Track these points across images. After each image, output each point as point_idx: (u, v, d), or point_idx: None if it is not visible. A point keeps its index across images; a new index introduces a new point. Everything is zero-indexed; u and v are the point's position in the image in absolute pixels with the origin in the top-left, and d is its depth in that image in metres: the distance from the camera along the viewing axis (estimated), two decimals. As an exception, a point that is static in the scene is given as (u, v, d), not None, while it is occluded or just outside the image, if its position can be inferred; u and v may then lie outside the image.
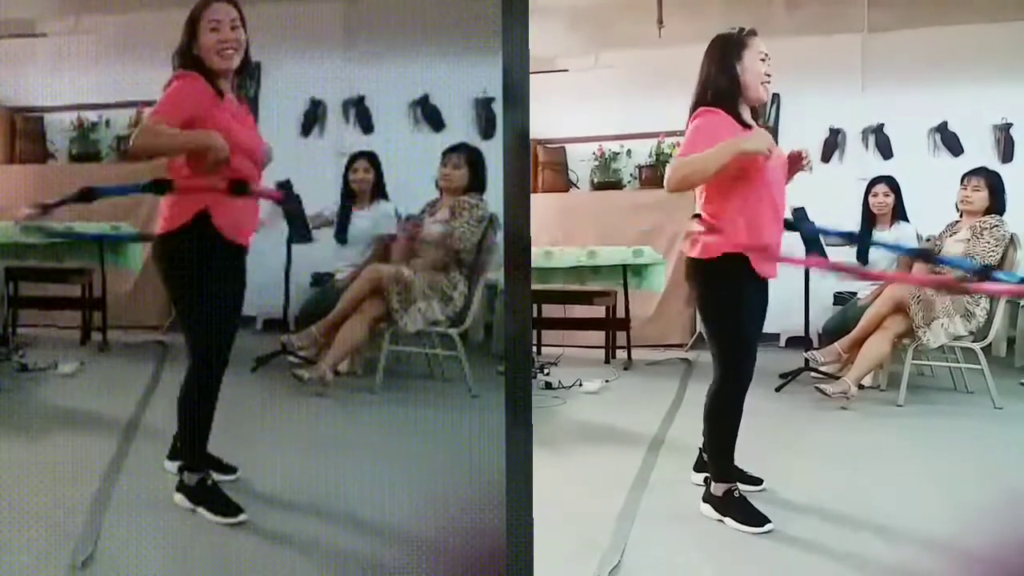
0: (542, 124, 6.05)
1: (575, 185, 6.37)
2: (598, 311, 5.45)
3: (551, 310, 5.63)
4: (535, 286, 5.18)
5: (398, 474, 2.65)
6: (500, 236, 3.68)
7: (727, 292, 2.59)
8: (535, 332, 5.40)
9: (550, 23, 6.03)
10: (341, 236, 4.20)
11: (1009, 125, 5.57)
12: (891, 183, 4.63)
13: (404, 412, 3.55)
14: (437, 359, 3.97)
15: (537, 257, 5.13)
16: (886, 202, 4.59)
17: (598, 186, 6.26)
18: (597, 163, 6.24)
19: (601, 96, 6.16)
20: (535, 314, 5.47)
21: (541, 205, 5.89)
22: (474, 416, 3.25)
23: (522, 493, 1.68)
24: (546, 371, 4.80)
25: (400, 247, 4.00)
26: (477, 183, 3.91)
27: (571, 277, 5.43)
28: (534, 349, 5.31)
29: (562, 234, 5.99)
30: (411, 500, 2.47)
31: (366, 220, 4.19)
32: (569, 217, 6.07)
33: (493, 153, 3.97)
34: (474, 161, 3.92)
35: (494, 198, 3.84)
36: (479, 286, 3.82)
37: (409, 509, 2.42)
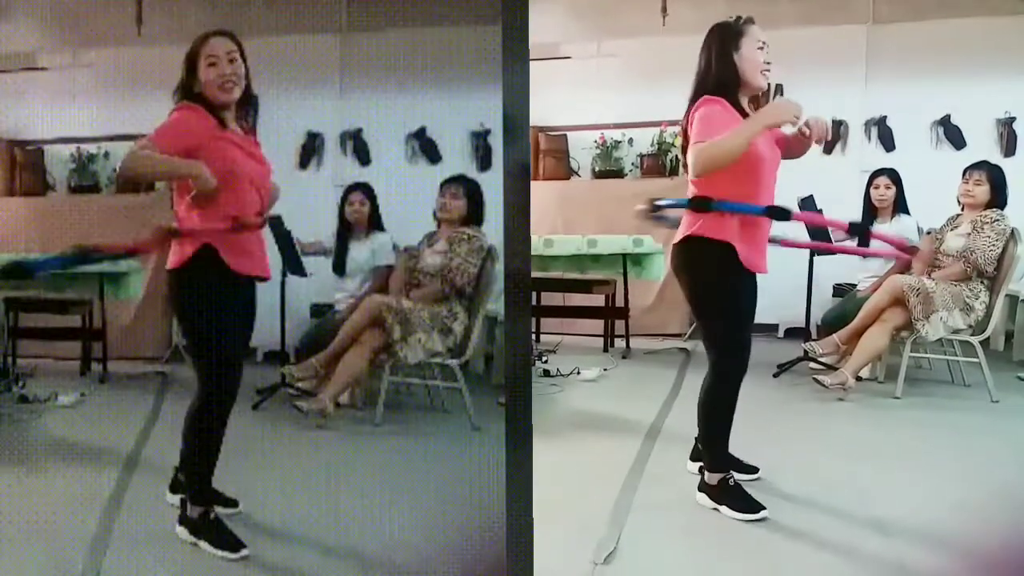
0: (544, 112, 6.04)
1: (576, 173, 6.36)
2: (597, 299, 5.45)
3: (550, 298, 5.63)
4: (535, 274, 5.18)
5: (399, 506, 2.66)
6: (499, 267, 3.68)
7: (716, 283, 2.58)
8: (534, 319, 5.41)
9: (553, 10, 6.00)
10: (338, 267, 4.21)
11: (1012, 119, 5.56)
12: (893, 176, 4.62)
13: (405, 444, 3.54)
14: (438, 390, 3.97)
15: (537, 245, 5.13)
16: (887, 195, 4.59)
17: (599, 174, 6.25)
18: (598, 151, 6.23)
19: (603, 84, 6.14)
20: (535, 301, 5.47)
21: (542, 193, 5.89)
22: (475, 448, 3.26)
23: (523, 525, 1.68)
24: (544, 359, 4.81)
25: (399, 278, 4.00)
26: (475, 214, 3.90)
27: (571, 265, 5.44)
28: (532, 337, 5.32)
29: (562, 222, 5.99)
30: (412, 532, 2.48)
31: (363, 251, 4.20)
32: (570, 205, 6.07)
33: (490, 186, 3.97)
34: (472, 193, 3.90)
35: (492, 230, 3.84)
36: (479, 317, 3.81)
37: (410, 541, 2.43)
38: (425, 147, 5.07)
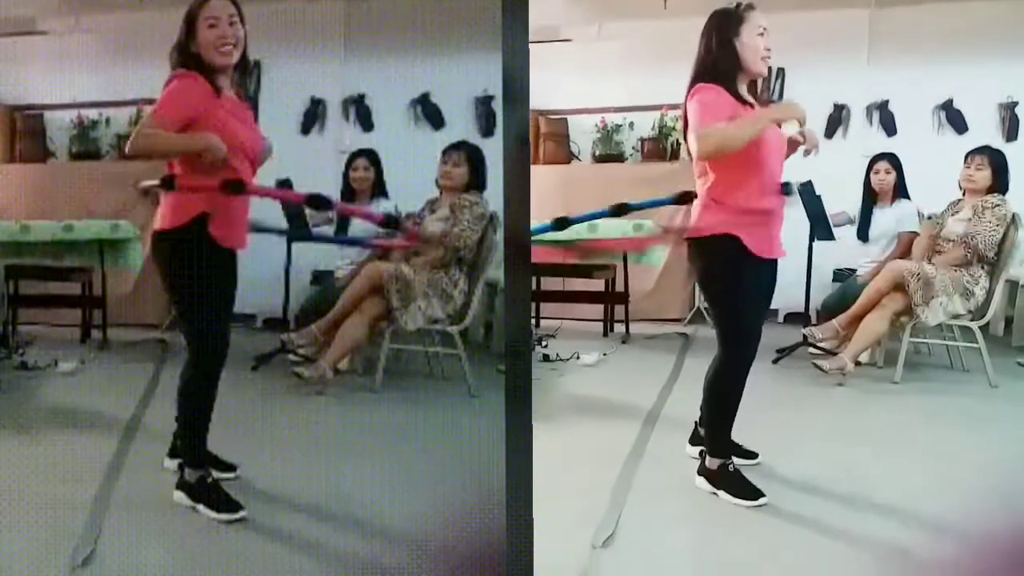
0: (544, 95, 6.00)
1: (577, 157, 6.34)
2: (597, 284, 5.44)
3: (550, 283, 5.62)
4: (534, 259, 5.16)
5: (398, 473, 2.67)
6: (500, 234, 3.68)
7: (725, 272, 2.60)
8: (534, 304, 5.41)
9: (554, -8, 5.96)
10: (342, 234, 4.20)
11: (1014, 104, 5.54)
12: (893, 160, 4.61)
13: (404, 411, 3.55)
14: (437, 357, 3.97)
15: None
16: (887, 179, 4.58)
17: (600, 158, 6.22)
18: (599, 135, 6.20)
19: (604, 67, 6.10)
20: (534, 286, 5.47)
21: (542, 177, 5.86)
22: (474, 415, 3.27)
23: (522, 492, 1.68)
24: (544, 343, 4.81)
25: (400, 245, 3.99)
26: (477, 181, 3.90)
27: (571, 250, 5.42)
28: (532, 321, 5.33)
29: (563, 206, 5.96)
30: (411, 499, 2.49)
31: None
32: (570, 189, 6.02)
33: (493, 151, 3.95)
34: (474, 159, 3.90)
35: (494, 196, 3.83)
36: (479, 284, 3.81)
37: (409, 508, 2.44)
38: (428, 113, 5.06)
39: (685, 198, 3.21)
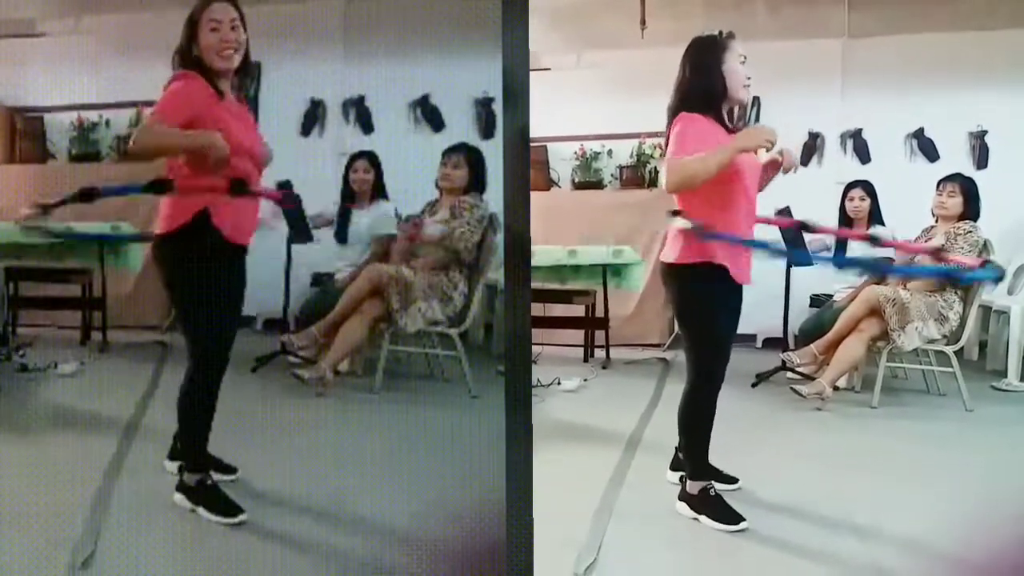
0: (524, 122, 6.04)
1: (556, 184, 6.38)
2: (577, 310, 5.46)
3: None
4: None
5: (398, 474, 2.67)
6: (500, 236, 3.69)
7: (703, 297, 2.62)
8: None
9: (533, 21, 6.02)
10: (341, 236, 4.19)
11: (984, 132, 5.65)
12: (867, 187, 4.68)
13: (404, 412, 3.56)
14: (437, 359, 3.98)
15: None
16: (862, 206, 4.64)
17: (579, 185, 6.27)
18: (578, 162, 6.25)
19: (583, 95, 6.16)
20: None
21: (523, 203, 5.88)
22: (474, 416, 3.25)
23: (522, 493, 1.68)
24: (525, 369, 4.80)
25: (400, 247, 4.00)
26: (477, 183, 3.92)
27: (551, 276, 5.44)
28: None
29: (543, 233, 5.99)
30: (411, 500, 2.49)
31: (366, 220, 4.18)
32: (550, 216, 6.05)
33: (493, 153, 3.97)
34: (474, 161, 3.92)
35: (494, 198, 3.85)
36: (479, 286, 3.83)
37: (409, 509, 2.44)
38: (428, 115, 5.05)
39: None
